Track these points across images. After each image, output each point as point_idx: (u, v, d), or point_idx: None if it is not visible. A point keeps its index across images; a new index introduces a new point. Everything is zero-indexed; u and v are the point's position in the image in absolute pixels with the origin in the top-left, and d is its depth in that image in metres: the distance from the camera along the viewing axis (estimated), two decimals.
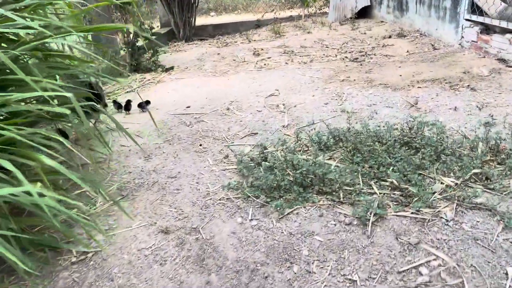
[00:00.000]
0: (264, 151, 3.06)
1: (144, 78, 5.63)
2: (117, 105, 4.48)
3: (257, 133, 3.57)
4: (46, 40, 2.26)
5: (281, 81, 4.93)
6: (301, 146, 3.18)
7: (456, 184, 2.44)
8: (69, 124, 2.79)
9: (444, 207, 2.25)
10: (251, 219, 2.34)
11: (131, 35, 6.04)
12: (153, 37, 6.33)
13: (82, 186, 1.80)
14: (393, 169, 2.61)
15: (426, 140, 2.87)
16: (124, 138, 3.58)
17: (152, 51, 6.03)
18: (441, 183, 2.47)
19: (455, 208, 2.24)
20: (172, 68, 6.06)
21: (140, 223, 2.40)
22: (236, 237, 2.20)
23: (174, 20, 9.14)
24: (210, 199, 2.60)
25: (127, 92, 5.12)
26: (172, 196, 2.67)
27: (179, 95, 4.75)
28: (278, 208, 2.34)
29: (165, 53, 7.55)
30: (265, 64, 5.81)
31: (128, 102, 4.38)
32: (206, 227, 2.31)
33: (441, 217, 2.18)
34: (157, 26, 10.07)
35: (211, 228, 2.30)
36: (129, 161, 3.20)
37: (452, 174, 2.55)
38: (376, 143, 2.94)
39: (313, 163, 2.72)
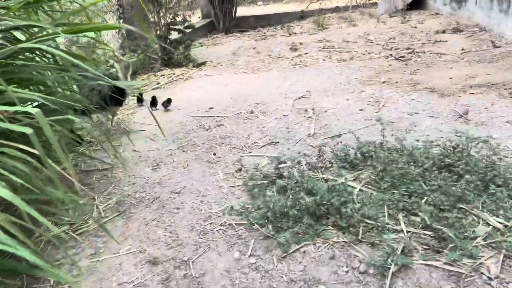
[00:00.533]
0: (280, 166, 2.71)
1: (173, 73, 5.41)
2: (140, 102, 4.27)
3: (278, 142, 3.22)
4: (23, 45, 2.02)
5: (315, 81, 4.51)
6: (323, 162, 2.79)
7: (506, 226, 1.98)
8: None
9: (487, 259, 1.81)
10: (250, 255, 2.01)
11: (163, 28, 5.84)
12: (188, 30, 6.12)
13: (40, 220, 1.55)
14: (427, 200, 2.18)
15: (472, 165, 2.39)
16: (139, 141, 3.37)
17: (184, 45, 5.79)
18: (487, 223, 2.01)
19: (502, 261, 1.78)
20: (204, 63, 5.79)
21: (130, 249, 2.14)
22: (229, 278, 1.89)
23: (214, 11, 8.88)
24: (211, 223, 2.29)
25: (154, 88, 4.92)
26: (170, 216, 2.39)
27: (205, 94, 4.47)
28: (283, 245, 2.00)
29: (202, 45, 7.33)
30: (300, 61, 5.40)
31: (154, 99, 4.16)
32: (198, 261, 2.01)
33: (482, 273, 1.74)
34: (199, 17, 9.87)
35: (203, 263, 2.00)
36: (136, 170, 2.96)
37: (501, 212, 2.07)
38: (411, 164, 2.50)
39: (331, 187, 2.34)
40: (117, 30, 6.11)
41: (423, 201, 2.18)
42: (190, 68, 5.64)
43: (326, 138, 3.21)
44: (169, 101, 4.09)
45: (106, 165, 3.05)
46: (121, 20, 6.14)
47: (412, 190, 2.28)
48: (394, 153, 2.72)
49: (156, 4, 5.70)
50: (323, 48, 5.97)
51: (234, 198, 2.51)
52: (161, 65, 5.83)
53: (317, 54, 5.64)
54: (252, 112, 3.83)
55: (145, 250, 2.12)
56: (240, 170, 2.85)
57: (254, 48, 6.49)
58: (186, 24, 6.01)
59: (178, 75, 5.32)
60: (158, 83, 5.05)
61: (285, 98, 4.10)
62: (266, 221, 2.20)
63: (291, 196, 2.35)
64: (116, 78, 5.07)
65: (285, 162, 2.84)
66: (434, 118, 3.33)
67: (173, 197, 2.58)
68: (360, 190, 2.43)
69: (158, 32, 5.81)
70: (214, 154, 3.13)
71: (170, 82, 5.09)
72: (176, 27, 5.89)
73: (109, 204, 2.56)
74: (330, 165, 2.77)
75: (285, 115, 3.70)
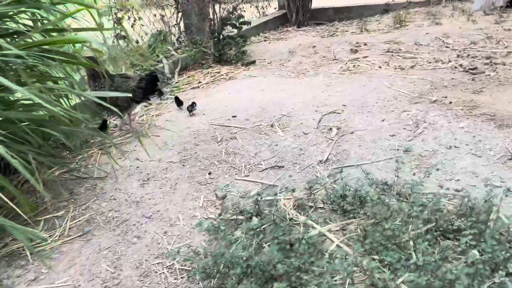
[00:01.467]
0: (264, 198, 2.40)
1: (219, 72, 5.24)
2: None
3: (283, 167, 2.89)
4: None
5: (357, 92, 4.01)
6: (315, 201, 2.41)
7: None
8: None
9: None
10: None
11: (217, 23, 5.68)
12: (246, 26, 5.89)
13: None
14: (404, 280, 1.72)
15: (488, 235, 1.85)
16: (148, 148, 3.26)
17: (235, 42, 5.57)
18: None
19: None
20: (253, 62, 5.53)
21: (66, 281, 2.03)
22: None
23: (287, 2, 8.49)
24: (159, 263, 2.09)
25: (193, 88, 4.80)
26: (126, 246, 2.23)
27: (237, 99, 4.23)
28: None
29: (265, 40, 7.05)
30: (354, 66, 4.86)
31: (177, 99, 4.05)
32: None
33: None
34: (275, 8, 9.55)
35: None
36: (125, 183, 2.86)
37: None
38: (409, 222, 2.02)
39: (301, 239, 1.98)
40: (176, 24, 6.11)
41: (400, 280, 1.73)
42: (238, 67, 5.42)
43: (337, 168, 2.79)
44: (193, 104, 3.93)
45: (104, 173, 3.00)
46: (180, 14, 6.11)
47: (394, 261, 1.83)
48: (399, 202, 2.25)
49: None
50: (387, 51, 5.33)
51: (200, 234, 2.27)
52: (213, 62, 5.70)
53: (376, 59, 5.04)
54: (272, 125, 3.51)
55: (79, 286, 1.99)
56: (224, 197, 2.59)
57: (313, 46, 6.05)
58: (241, 20, 5.76)
59: (222, 74, 5.14)
60: (200, 82, 4.93)
61: (316, 111, 3.69)
62: (214, 271, 1.93)
63: (254, 245, 2.04)
64: (162, 74, 5.08)
65: (275, 194, 2.53)
66: (477, 156, 2.71)
67: (141, 222, 2.42)
68: (338, 246, 2.03)
69: (211, 27, 5.65)
70: (209, 174, 2.90)
71: (212, 81, 4.93)
72: (230, 22, 5.68)
73: (79, 221, 2.48)
74: (322, 205, 2.39)
75: (305, 133, 3.32)
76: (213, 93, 4.50)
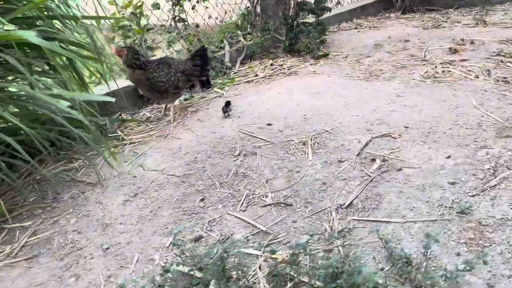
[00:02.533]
0: (228, 256, 1.85)
1: (282, 65, 4.63)
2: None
3: (291, 205, 2.28)
4: None
5: (430, 111, 3.11)
6: (298, 272, 1.79)
7: None
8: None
9: None
10: None
11: (292, 7, 5.02)
12: (327, 12, 5.16)
13: None
14: None
15: None
16: (159, 153, 2.92)
17: (309, 31, 4.87)
18: None
19: None
20: (326, 55, 4.80)
21: None
22: None
23: None
24: None
25: (247, 81, 4.29)
26: (59, 285, 1.89)
27: (283, 100, 3.63)
28: None
29: (356, 29, 6.18)
30: (443, 72, 3.86)
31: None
32: None
33: None
34: None
35: None
36: (110, 197, 2.52)
37: None
38: None
39: None
40: (252, 6, 5.59)
41: None
42: (306, 60, 4.75)
43: (357, 220, 2.10)
44: (227, 104, 3.44)
45: (101, 178, 2.72)
46: None
47: None
48: None
49: None
50: (496, 54, 4.16)
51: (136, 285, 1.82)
52: (283, 51, 5.09)
53: (477, 64, 3.94)
54: (305, 143, 2.87)
55: None
56: (198, 239, 2.10)
57: (406, 41, 5.05)
58: (320, 5, 5.00)
59: (284, 68, 4.53)
60: (256, 76, 4.39)
61: (367, 130, 2.94)
62: None
63: None
64: (221, 62, 4.66)
65: (259, 247, 1.97)
66: None
67: (94, 255, 2.06)
68: None
69: (285, 12, 5.01)
70: (202, 200, 2.42)
71: (269, 76, 4.36)
72: (308, 7, 4.96)
73: (38, 238, 2.21)
74: (306, 280, 1.76)
75: (340, 160, 2.63)
76: (263, 91, 3.94)
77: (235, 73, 4.56)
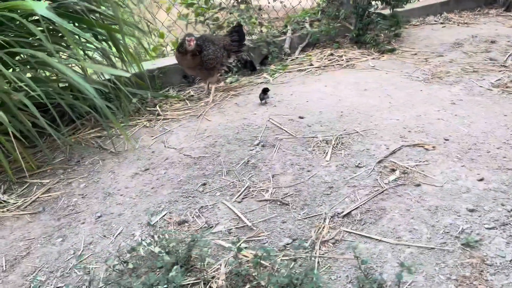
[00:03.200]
0: (195, 245, 1.82)
1: (342, 56, 4.38)
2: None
3: (287, 205, 2.19)
4: None
5: (483, 125, 2.73)
6: (256, 278, 1.70)
7: None
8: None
9: None
10: None
11: None
12: (403, 3, 4.77)
13: None
14: None
15: None
16: (184, 132, 2.97)
17: (377, 22, 4.52)
18: None
19: None
20: (392, 50, 4.43)
21: None
22: None
23: None
24: (45, 281, 1.81)
25: (299, 70, 4.14)
26: (43, 245, 2.02)
27: (326, 95, 3.44)
28: None
29: (442, 24, 5.61)
30: None
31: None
32: None
33: None
34: None
35: None
36: (124, 168, 2.63)
37: None
38: None
39: None
40: None
41: None
42: (370, 53, 4.43)
43: (350, 233, 1.94)
44: (265, 91, 3.35)
45: (125, 148, 2.85)
46: None
47: None
48: None
49: None
50: None
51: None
52: (350, 42, 4.82)
53: None
54: (327, 142, 2.70)
55: None
56: (182, 223, 2.10)
57: (492, 42, 4.46)
58: None
59: (342, 59, 4.28)
60: (311, 65, 4.21)
61: (400, 137, 2.67)
62: None
63: None
64: (280, 48, 4.56)
65: (232, 244, 1.92)
66: None
67: (87, 221, 2.17)
68: None
69: (358, 0, 4.69)
70: (203, 185, 2.41)
71: (324, 66, 4.16)
72: None
73: (49, 195, 2.39)
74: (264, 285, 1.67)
75: (357, 166, 2.44)
76: (311, 82, 3.78)
77: (292, 60, 4.43)
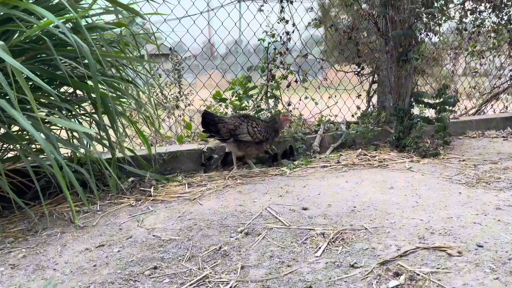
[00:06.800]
0: None
1: (375, 156, 3.92)
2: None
3: None
4: None
5: None
6: None
7: None
8: None
9: None
10: None
11: (405, 98, 4.35)
12: (452, 110, 4.38)
13: None
14: None
15: None
16: (182, 203, 2.63)
17: (420, 126, 4.08)
18: None
19: None
20: (436, 154, 3.89)
21: None
22: None
23: None
24: None
25: (323, 166, 3.71)
26: None
27: (342, 189, 2.94)
28: None
29: (504, 137, 5.01)
30: None
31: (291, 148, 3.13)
32: None
33: None
34: None
35: None
36: (76, 242, 2.26)
37: None
38: None
39: None
40: (367, 95, 5.09)
41: None
42: (410, 155, 3.93)
43: None
44: (209, 158, 2.96)
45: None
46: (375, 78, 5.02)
47: None
48: None
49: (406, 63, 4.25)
50: None
51: None
52: (390, 145, 4.37)
53: None
54: (324, 236, 2.16)
55: None
56: None
57: None
58: (443, 98, 4.19)
59: (375, 159, 3.81)
60: (338, 162, 3.78)
61: (419, 238, 2.07)
62: None
63: None
64: (309, 145, 4.22)
65: None
66: None
67: None
68: None
69: (396, 100, 4.34)
70: (154, 269, 1.94)
71: (353, 164, 3.70)
72: (422, 99, 4.22)
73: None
74: None
75: (352, 266, 1.85)
76: (330, 177, 3.32)
77: (320, 158, 4.04)
